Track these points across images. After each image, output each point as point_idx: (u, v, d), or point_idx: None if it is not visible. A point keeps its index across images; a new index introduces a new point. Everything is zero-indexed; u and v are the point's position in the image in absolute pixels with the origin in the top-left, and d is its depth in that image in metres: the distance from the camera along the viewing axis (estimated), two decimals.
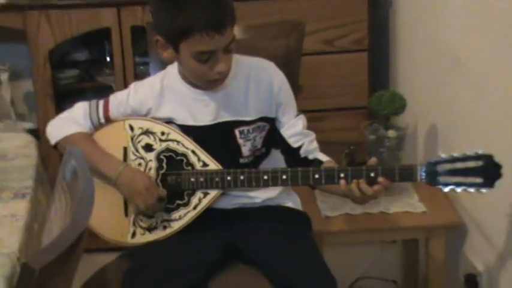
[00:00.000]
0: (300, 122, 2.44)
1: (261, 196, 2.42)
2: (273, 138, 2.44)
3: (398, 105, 2.86)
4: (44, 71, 3.48)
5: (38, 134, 2.76)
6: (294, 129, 2.42)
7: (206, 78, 2.28)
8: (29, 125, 3.61)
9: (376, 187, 2.18)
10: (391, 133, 2.85)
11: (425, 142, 3.06)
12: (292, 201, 2.51)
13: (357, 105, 3.47)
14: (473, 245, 2.67)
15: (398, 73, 3.46)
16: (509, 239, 2.34)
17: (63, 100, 3.52)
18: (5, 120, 3.62)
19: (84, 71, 3.72)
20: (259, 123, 2.40)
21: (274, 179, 2.28)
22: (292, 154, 2.43)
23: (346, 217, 2.73)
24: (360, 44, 3.49)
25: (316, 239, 2.46)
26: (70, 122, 2.44)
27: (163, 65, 2.53)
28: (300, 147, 2.42)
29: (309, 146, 2.42)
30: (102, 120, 2.43)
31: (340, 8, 3.46)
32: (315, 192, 2.83)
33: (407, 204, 2.77)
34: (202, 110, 2.37)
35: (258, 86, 2.40)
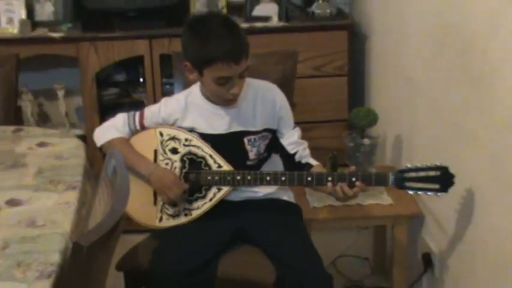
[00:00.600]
0: (296, 133, 2.46)
1: (262, 191, 2.43)
2: (274, 145, 2.45)
3: (372, 119, 2.86)
4: (91, 90, 3.50)
5: (85, 139, 2.79)
6: (291, 139, 2.44)
7: (223, 98, 2.31)
8: (79, 132, 3.60)
9: (355, 189, 2.22)
10: (366, 141, 2.85)
11: (392, 148, 3.05)
12: (287, 195, 2.51)
13: (339, 119, 3.47)
14: (429, 230, 2.68)
15: (372, 93, 3.44)
16: (456, 226, 2.35)
17: (105, 113, 3.52)
18: (61, 128, 3.60)
19: (123, 89, 3.71)
20: (264, 133, 2.41)
21: (275, 180, 2.30)
22: (288, 158, 2.45)
23: (329, 208, 2.73)
24: (341, 70, 3.48)
25: (306, 225, 2.48)
26: (112, 128, 2.45)
27: (185, 85, 2.55)
28: (295, 153, 2.43)
29: (302, 152, 2.44)
30: (138, 127, 2.45)
31: (326, 41, 3.46)
32: (305, 189, 2.83)
33: (378, 198, 2.77)
34: (219, 122, 2.39)
35: (263, 103, 2.41)
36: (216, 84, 2.26)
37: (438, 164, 2.17)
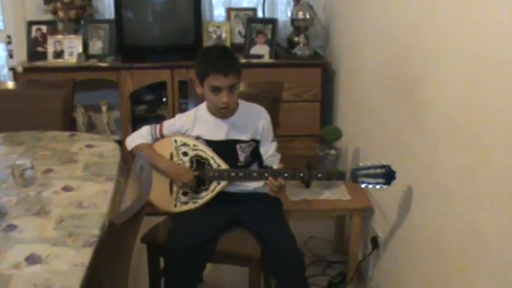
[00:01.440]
0: (273, 146, 2.46)
1: (252, 185, 2.42)
2: (257, 152, 2.46)
3: (338, 135, 2.86)
4: (127, 106, 3.49)
5: (121, 143, 2.79)
6: (268, 150, 2.45)
7: (217, 106, 2.32)
8: (116, 137, 3.51)
9: (277, 182, 2.26)
10: (333, 152, 2.85)
11: (352, 158, 3.05)
12: None
13: (313, 134, 3.44)
14: (376, 219, 2.68)
15: (338, 115, 3.43)
16: (397, 217, 2.35)
17: (136, 124, 3.47)
18: (103, 134, 3.60)
19: (150, 106, 3.70)
20: (251, 142, 2.42)
21: (250, 176, 2.33)
22: (261, 163, 2.46)
23: (303, 201, 2.72)
24: (315, 97, 3.47)
25: (285, 214, 2.47)
26: (139, 137, 2.47)
27: (196, 103, 2.56)
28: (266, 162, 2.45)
29: (271, 161, 2.44)
30: (158, 136, 2.46)
31: (304, 75, 3.44)
32: (285, 185, 2.80)
33: (340, 195, 2.77)
34: (219, 131, 2.39)
35: (252, 120, 2.42)
36: (211, 93, 2.29)
37: (383, 163, 2.20)
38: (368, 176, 2.21)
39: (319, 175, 2.28)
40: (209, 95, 2.32)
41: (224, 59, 2.29)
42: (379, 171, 2.20)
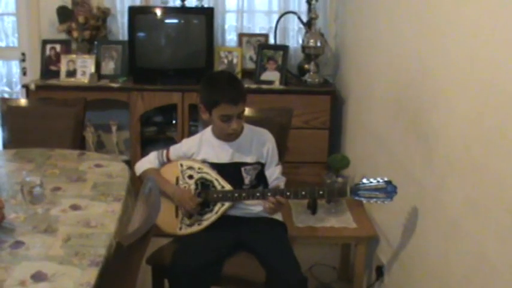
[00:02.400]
0: (277, 169, 2.46)
1: (256, 209, 2.41)
2: (262, 175, 2.45)
3: (345, 163, 2.87)
4: (136, 127, 3.49)
5: (130, 163, 2.80)
6: (273, 173, 2.45)
7: (226, 132, 2.34)
8: (125, 157, 3.60)
9: (269, 202, 2.25)
10: (340, 179, 2.84)
11: None
12: (277, 215, 2.46)
13: (321, 161, 3.44)
14: (382, 248, 2.66)
15: (346, 143, 3.44)
16: (401, 247, 2.34)
17: (146, 144, 3.53)
18: (112, 154, 3.62)
19: (160, 128, 3.71)
20: (256, 165, 2.42)
21: (253, 195, 2.31)
22: (266, 186, 2.44)
23: (309, 228, 2.71)
24: (324, 124, 3.47)
25: (290, 239, 2.45)
26: (147, 162, 2.49)
27: (204, 125, 2.56)
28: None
29: (276, 184, 2.42)
30: (165, 160, 2.48)
31: (314, 102, 3.45)
32: (291, 211, 2.81)
33: (345, 223, 2.75)
34: (224, 154, 2.40)
35: (257, 143, 2.43)
36: (220, 121, 2.31)
37: (385, 178, 2.18)
38: (369, 191, 2.20)
39: (321, 192, 2.27)
40: (218, 122, 2.33)
41: (233, 89, 2.31)
42: (380, 186, 2.19)
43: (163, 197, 2.35)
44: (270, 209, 2.30)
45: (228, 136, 2.37)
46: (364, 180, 2.21)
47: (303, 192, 2.27)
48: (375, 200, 2.18)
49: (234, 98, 2.27)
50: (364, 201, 2.22)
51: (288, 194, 2.28)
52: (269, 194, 2.28)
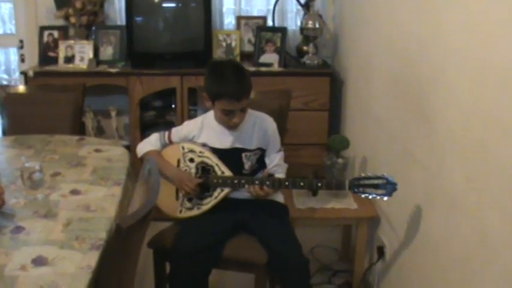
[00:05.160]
0: (278, 156, 2.44)
1: None
2: (262, 160, 2.45)
3: (345, 144, 2.86)
4: (136, 111, 3.49)
5: (129, 148, 2.81)
6: (273, 159, 2.44)
7: (226, 124, 2.33)
8: (125, 142, 3.60)
9: (263, 190, 2.26)
10: (340, 160, 2.85)
11: (359, 167, 3.05)
12: (278, 197, 2.48)
13: (320, 142, 3.43)
14: (383, 228, 2.67)
15: (346, 124, 3.44)
16: (402, 226, 2.34)
17: (145, 129, 3.52)
18: (112, 139, 3.61)
19: (159, 112, 3.70)
20: (257, 151, 2.41)
21: (252, 183, 2.28)
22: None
23: (310, 209, 2.71)
24: (323, 106, 3.47)
25: (291, 221, 2.46)
26: (148, 144, 2.48)
27: (205, 111, 2.54)
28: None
29: (276, 171, 2.41)
30: (167, 142, 2.46)
31: (313, 84, 3.45)
32: (292, 193, 2.80)
33: (346, 204, 2.75)
34: (225, 139, 2.39)
35: (259, 129, 2.41)
36: (222, 113, 2.29)
37: (385, 174, 2.17)
38: (367, 186, 2.18)
39: (319, 184, 2.26)
40: (219, 114, 2.32)
41: (238, 84, 2.24)
42: (379, 182, 2.17)
43: (164, 179, 2.36)
44: (257, 195, 2.29)
45: (228, 127, 2.36)
46: (364, 175, 2.20)
47: (302, 183, 2.26)
48: (373, 195, 2.17)
49: (238, 95, 2.23)
50: (362, 196, 2.20)
51: (287, 184, 2.28)
52: (268, 183, 2.27)
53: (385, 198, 2.16)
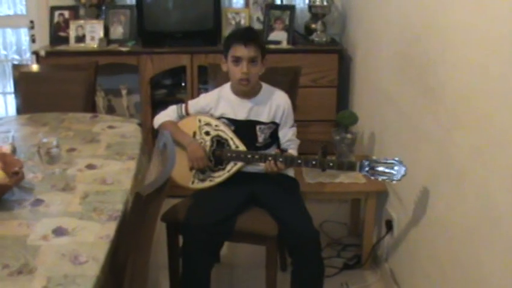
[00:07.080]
0: (291, 131, 2.48)
1: None
2: (276, 134, 2.48)
3: (353, 119, 2.88)
4: (146, 90, 3.51)
5: (141, 125, 2.83)
6: (286, 134, 2.47)
7: (237, 77, 2.35)
8: (136, 121, 3.57)
9: (277, 166, 2.29)
10: (348, 136, 2.87)
11: (368, 142, 3.07)
12: (290, 172, 2.50)
13: (329, 118, 3.45)
14: (391, 202, 2.69)
15: (354, 100, 3.45)
16: (411, 201, 2.36)
17: (156, 107, 3.48)
18: (123, 117, 3.62)
19: (169, 90, 3.71)
20: (270, 125, 2.44)
21: (265, 159, 2.31)
22: (279, 146, 2.47)
23: (319, 184, 2.75)
24: (332, 82, 3.47)
25: (302, 195, 2.49)
26: (165, 115, 2.53)
27: (214, 87, 2.58)
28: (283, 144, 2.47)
29: (288, 146, 2.46)
30: (184, 113, 2.51)
31: (321, 61, 3.45)
32: (302, 168, 2.81)
33: (355, 178, 2.78)
34: (241, 111, 2.43)
35: (274, 103, 2.44)
36: (232, 64, 2.34)
37: (396, 158, 2.19)
38: (377, 169, 2.21)
39: (331, 164, 2.29)
40: (231, 67, 2.36)
41: (246, 32, 2.47)
42: (389, 165, 2.19)
43: (179, 149, 2.40)
44: (270, 170, 2.31)
45: (241, 84, 2.36)
46: (375, 158, 2.22)
47: (313, 162, 2.29)
48: (383, 177, 2.20)
49: (244, 38, 2.31)
50: (372, 178, 2.22)
51: (299, 162, 2.31)
52: (281, 160, 2.30)
53: (394, 182, 2.18)
